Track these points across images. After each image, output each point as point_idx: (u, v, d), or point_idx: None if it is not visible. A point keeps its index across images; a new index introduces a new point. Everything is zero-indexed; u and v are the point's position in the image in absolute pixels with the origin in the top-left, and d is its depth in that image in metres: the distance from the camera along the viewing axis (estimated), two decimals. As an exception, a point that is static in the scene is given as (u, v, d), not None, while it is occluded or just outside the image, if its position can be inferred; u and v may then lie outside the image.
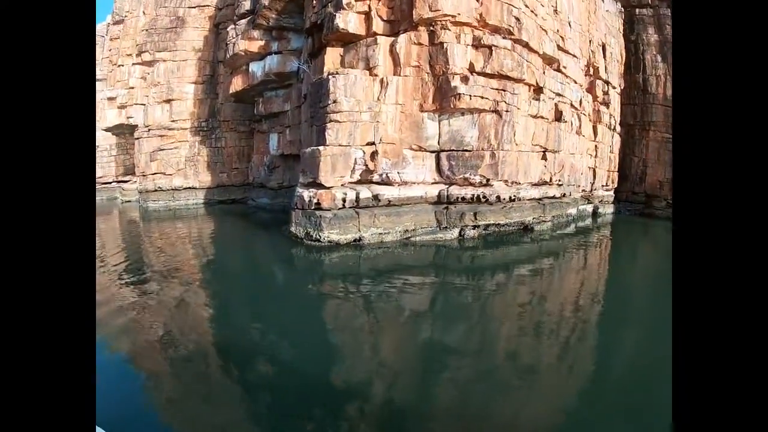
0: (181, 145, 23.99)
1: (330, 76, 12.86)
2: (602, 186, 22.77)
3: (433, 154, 14.07)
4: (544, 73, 16.68)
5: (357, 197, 12.75)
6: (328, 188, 12.66)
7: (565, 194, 18.19)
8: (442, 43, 13.24)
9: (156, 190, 23.59)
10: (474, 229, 13.78)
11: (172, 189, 23.71)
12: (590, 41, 20.97)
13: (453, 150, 14.07)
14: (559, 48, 17.52)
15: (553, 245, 14.14)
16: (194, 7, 24.59)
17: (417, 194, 13.65)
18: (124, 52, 24.50)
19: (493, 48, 13.83)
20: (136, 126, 24.28)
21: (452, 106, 13.48)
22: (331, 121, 12.50)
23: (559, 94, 17.84)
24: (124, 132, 26.66)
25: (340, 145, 12.62)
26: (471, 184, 14.18)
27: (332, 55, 14.24)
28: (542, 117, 16.63)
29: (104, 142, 29.60)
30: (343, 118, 12.56)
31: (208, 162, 24.23)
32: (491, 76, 13.91)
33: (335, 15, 13.52)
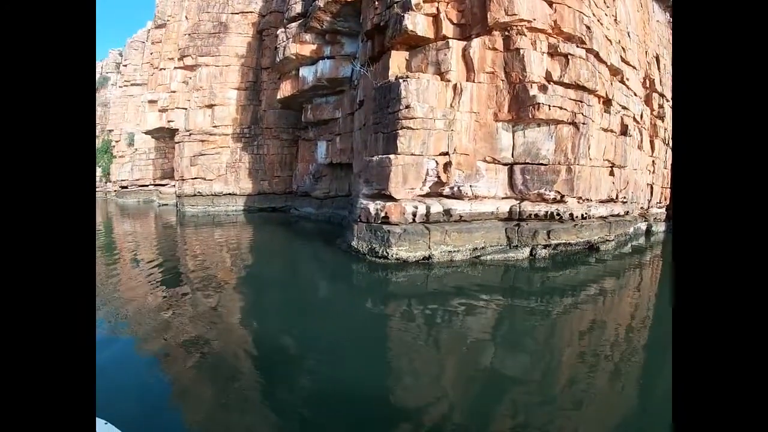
0: (223, 150, 22.99)
1: (400, 80, 11.59)
2: (657, 203, 21.16)
3: (506, 167, 12.75)
4: (611, 84, 15.32)
5: (428, 212, 11.47)
6: (397, 201, 11.31)
7: (628, 212, 16.71)
8: (518, 49, 12.06)
9: (195, 195, 22.59)
10: (545, 248, 12.41)
11: (212, 194, 22.68)
12: (646, 52, 19.70)
13: (528, 163, 12.70)
14: (622, 59, 16.23)
15: (617, 265, 12.85)
16: (237, 14, 23.73)
17: (488, 210, 12.36)
18: (165, 55, 23.70)
19: (569, 57, 12.58)
20: (177, 130, 23.39)
21: (531, 116, 12.15)
22: (402, 128, 11.21)
23: (624, 107, 16.53)
24: (164, 135, 25.83)
25: (412, 155, 11.33)
26: (544, 200, 12.82)
27: (397, 59, 13.01)
28: (611, 131, 15.30)
29: (143, 145, 29.20)
30: (417, 125, 11.27)
31: (249, 169, 23.15)
32: (568, 86, 12.65)
33: (403, 16, 12.31)
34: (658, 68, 20.64)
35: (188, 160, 22.73)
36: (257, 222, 20.35)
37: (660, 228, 21.48)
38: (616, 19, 16.48)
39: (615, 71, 15.82)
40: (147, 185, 30.05)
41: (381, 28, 13.60)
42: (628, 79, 17.02)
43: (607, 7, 15.87)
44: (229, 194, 22.92)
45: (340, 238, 13.81)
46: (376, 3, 13.71)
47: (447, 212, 11.65)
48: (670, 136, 21.75)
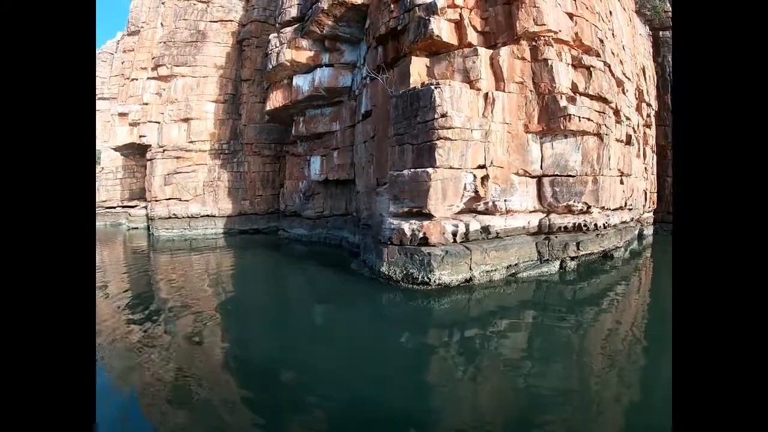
0: (199, 168, 20.47)
1: (431, 87, 10.13)
2: (648, 208, 21.35)
3: (534, 180, 11.80)
4: (617, 95, 14.94)
5: (467, 230, 10.12)
6: (436, 219, 9.79)
7: (633, 218, 16.66)
8: (546, 60, 11.30)
9: (170, 218, 19.89)
10: (572, 260, 11.73)
11: (188, 216, 20.06)
12: (635, 64, 19.99)
13: (557, 175, 11.88)
14: (621, 71, 16.17)
15: (628, 271, 12.84)
16: (216, 22, 21.58)
17: (520, 225, 11.37)
18: (138, 65, 21.02)
19: (591, 69, 12.02)
20: (149, 146, 20.53)
21: (562, 127, 11.39)
22: (439, 138, 9.79)
23: (627, 117, 16.36)
24: (134, 152, 22.86)
25: (450, 168, 9.93)
26: (571, 212, 12.06)
27: (418, 65, 11.68)
28: (621, 141, 14.97)
29: (110, 164, 26.26)
30: (455, 136, 9.92)
31: (228, 188, 20.73)
32: (593, 97, 12.07)
33: (429, 20, 11.11)
34: (645, 79, 21.00)
35: (161, 178, 19.99)
36: (242, 245, 18.04)
37: (650, 231, 21.91)
38: (614, 33, 16.34)
39: (619, 83, 15.59)
40: (114, 207, 26.77)
41: (397, 33, 12.26)
42: (627, 90, 17.04)
43: (609, 21, 15.68)
44: (208, 216, 20.34)
45: (355, 263, 12.11)
46: (392, 6, 12.41)
47: (485, 229, 10.47)
48: (655, 144, 22.22)
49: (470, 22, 11.54)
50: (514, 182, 11.27)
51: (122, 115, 20.88)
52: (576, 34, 12.09)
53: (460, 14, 11.51)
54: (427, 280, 9.33)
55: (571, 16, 12.06)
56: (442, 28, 11.16)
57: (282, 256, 16.30)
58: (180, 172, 20.08)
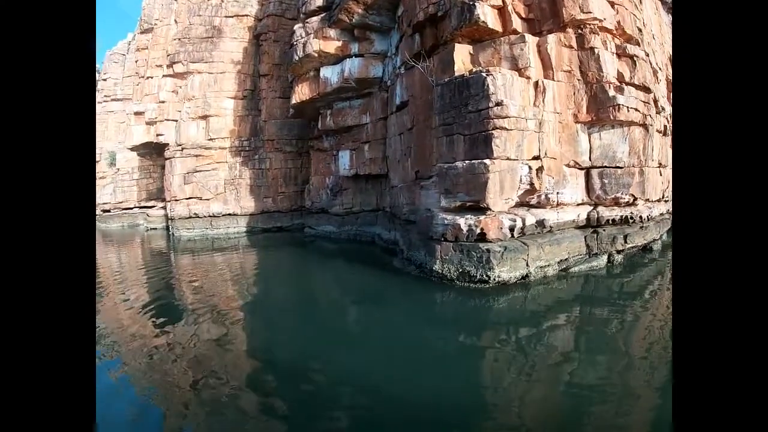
0: (220, 166, 19.77)
1: (483, 74, 9.53)
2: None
3: (583, 172, 11.24)
4: (655, 85, 14.40)
5: (523, 224, 9.60)
6: (494, 214, 9.16)
7: (668, 210, 16.15)
8: (592, 48, 10.76)
9: (191, 217, 19.23)
10: (619, 253, 11.27)
11: (210, 215, 19.37)
12: (663, 52, 19.49)
13: (605, 166, 11.33)
14: (655, 61, 15.70)
15: (667, 263, 12.03)
16: (232, 17, 20.81)
17: (570, 218, 10.85)
18: (153, 63, 20.27)
19: (635, 58, 11.50)
20: (167, 145, 19.81)
21: (611, 117, 10.82)
22: (495, 128, 9.19)
23: (663, 108, 15.70)
24: (151, 152, 22.15)
25: (508, 159, 9.35)
26: (618, 205, 11.55)
27: (461, 53, 11.08)
28: (660, 131, 14.42)
29: (126, 164, 25.74)
30: (511, 126, 9.31)
31: (250, 186, 20.03)
32: (638, 87, 11.54)
33: (474, 5, 10.51)
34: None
35: (181, 177, 19.30)
36: (266, 244, 17.42)
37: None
38: (644, 23, 15.78)
39: (654, 72, 14.99)
40: (131, 208, 26.22)
41: (436, 19, 11.62)
42: (660, 80, 16.44)
43: (640, 11, 15.15)
44: (229, 214, 19.66)
45: (398, 260, 11.56)
46: None
47: (540, 223, 9.99)
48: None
49: (514, 9, 10.93)
50: (566, 174, 10.71)
51: (138, 114, 20.13)
52: (618, 22, 11.58)
53: (503, 0, 10.92)
54: (486, 278, 8.82)
55: (612, 4, 11.53)
56: (486, 14, 10.55)
57: (310, 254, 15.72)
58: (200, 171, 19.40)
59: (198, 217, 19.29)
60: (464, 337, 6.87)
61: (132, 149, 21.69)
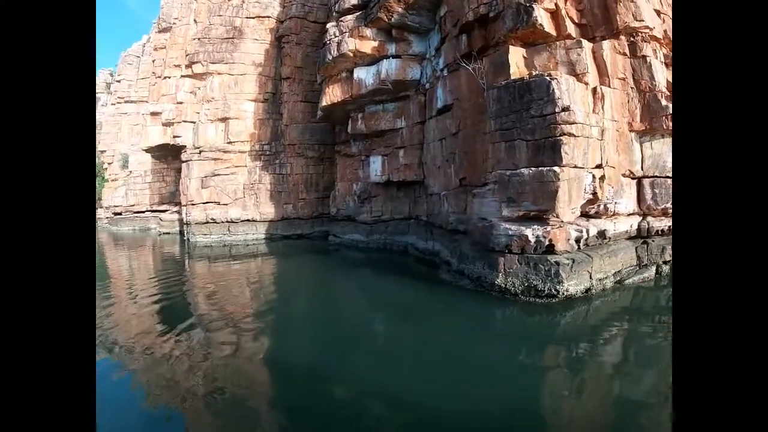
0: (239, 170, 19.31)
1: (548, 78, 9.22)
2: None
3: (635, 181, 10.99)
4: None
5: (587, 235, 9.27)
6: (562, 224, 8.91)
7: None
8: (644, 57, 10.57)
9: (207, 222, 18.69)
10: (666, 264, 10.90)
11: (228, 221, 18.87)
12: None
13: (656, 176, 11.06)
14: None
15: None
16: (253, 18, 20.53)
17: (624, 228, 10.58)
18: (171, 62, 19.90)
19: None
20: (184, 147, 19.29)
21: (665, 126, 10.50)
22: (563, 134, 8.89)
23: None
24: (167, 154, 21.61)
25: (575, 167, 9.01)
26: (666, 215, 11.18)
27: (516, 56, 10.77)
28: None
29: (139, 167, 25.60)
30: (577, 132, 9.01)
31: (270, 191, 19.55)
32: None
33: (531, 7, 10.33)
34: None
35: (198, 181, 18.76)
36: (287, 252, 16.94)
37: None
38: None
39: None
40: (143, 211, 25.95)
41: (487, 20, 11.36)
42: None
43: None
44: (248, 220, 19.14)
45: (446, 273, 11.07)
46: None
47: (601, 234, 9.71)
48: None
49: (567, 13, 10.74)
50: (623, 184, 10.49)
51: (154, 114, 19.67)
52: (665, 31, 11.31)
53: (556, 4, 10.73)
54: (555, 293, 8.43)
55: (659, 13, 11.30)
56: (542, 17, 10.37)
57: (336, 263, 15.23)
58: (218, 175, 18.91)
59: (215, 222, 18.76)
60: (525, 354, 6.52)
61: (147, 151, 21.20)
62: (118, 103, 31.30)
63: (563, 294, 8.38)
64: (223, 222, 18.77)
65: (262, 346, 7.00)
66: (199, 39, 19.67)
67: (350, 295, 11.39)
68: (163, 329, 7.65)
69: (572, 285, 8.51)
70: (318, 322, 8.47)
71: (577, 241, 9.01)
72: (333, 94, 15.61)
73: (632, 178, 10.81)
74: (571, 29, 10.68)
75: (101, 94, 37.31)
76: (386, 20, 13.84)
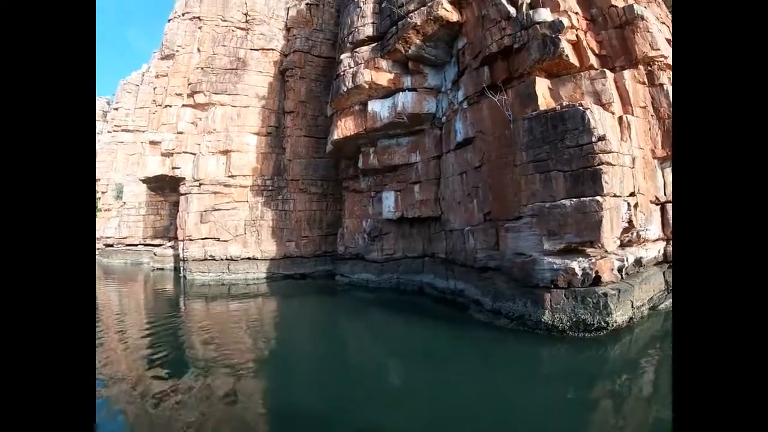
0: (240, 206, 19.16)
1: (581, 108, 9.55)
2: None
3: (659, 207, 11.34)
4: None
5: (627, 263, 9.53)
6: (606, 254, 9.05)
7: None
8: (661, 85, 11.17)
9: (206, 259, 18.28)
10: None
11: (227, 258, 18.56)
12: None
13: None
14: None
15: None
16: (257, 50, 21.18)
17: (653, 255, 11.03)
18: (172, 91, 20.14)
19: None
20: (183, 179, 19.12)
21: None
22: (602, 163, 9.15)
23: None
24: (164, 186, 21.39)
25: (614, 196, 9.24)
26: None
27: (542, 87, 11.17)
28: None
29: (133, 198, 25.72)
30: (614, 161, 9.33)
31: (272, 228, 19.38)
32: None
33: (558, 39, 10.88)
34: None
35: (197, 215, 18.51)
36: (292, 292, 16.58)
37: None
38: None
39: None
40: (136, 245, 25.74)
41: (511, 52, 11.86)
42: None
43: None
44: (249, 258, 18.79)
45: (479, 312, 10.85)
46: (503, 23, 12.09)
47: (638, 262, 10.13)
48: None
49: (588, 44, 11.42)
50: (652, 210, 10.88)
51: (153, 143, 19.62)
52: None
53: (577, 35, 11.42)
54: (605, 325, 8.46)
55: (669, 41, 11.94)
56: (567, 48, 10.93)
57: (346, 304, 14.90)
58: (218, 209, 18.70)
59: (214, 259, 18.37)
60: (576, 392, 6.40)
61: (144, 181, 20.97)
62: (114, 131, 31.67)
63: (612, 325, 8.41)
64: (222, 259, 18.39)
65: (262, 394, 6.85)
66: (202, 68, 20.09)
67: (363, 338, 11.04)
68: (157, 373, 7.44)
69: (619, 315, 8.58)
70: (327, 367, 8.08)
71: (620, 270, 9.15)
72: (345, 127, 15.77)
73: (657, 204, 11.20)
74: (593, 60, 11.33)
75: (98, 122, 37.71)
76: (403, 52, 14.31)
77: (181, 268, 18.80)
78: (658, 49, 11.09)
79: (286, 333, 11.33)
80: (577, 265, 8.69)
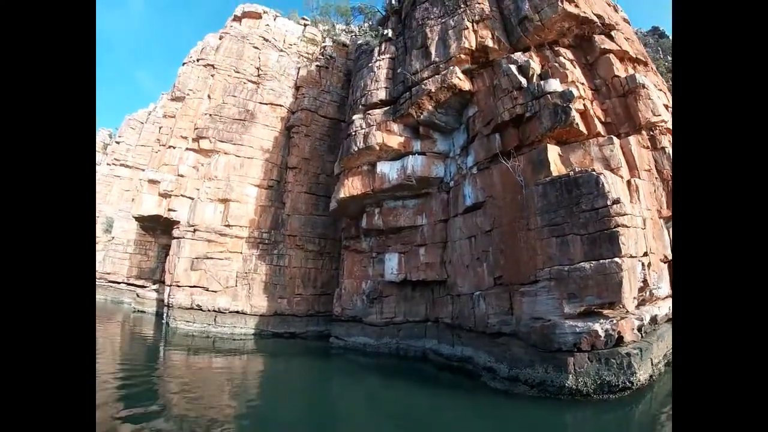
0: (234, 257, 19.02)
1: (595, 173, 10.25)
2: None
3: (666, 265, 11.79)
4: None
5: (645, 322, 9.77)
6: (626, 314, 9.26)
7: None
8: (663, 148, 12.15)
9: (192, 308, 17.63)
10: None
11: (215, 310, 18.00)
12: None
13: None
14: None
15: None
16: (266, 104, 22.29)
17: (665, 312, 11.19)
18: (178, 133, 20.63)
19: None
20: (177, 223, 19.04)
21: None
22: (618, 225, 9.65)
23: None
24: (157, 227, 21.30)
25: (631, 257, 9.57)
26: None
27: (553, 154, 11.89)
28: None
29: (122, 235, 25.76)
30: (629, 223, 9.80)
31: (265, 283, 19.15)
32: None
33: (569, 108, 11.90)
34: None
35: (188, 261, 18.21)
36: (283, 352, 16.04)
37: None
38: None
39: None
40: (119, 282, 25.31)
41: (522, 120, 12.84)
42: None
43: None
44: (238, 312, 18.27)
45: (493, 380, 10.66)
46: (515, 93, 13.15)
47: (653, 320, 10.45)
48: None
49: (594, 113, 12.53)
50: (662, 269, 11.33)
51: (152, 182, 19.61)
52: None
53: (584, 104, 12.48)
54: (629, 385, 8.57)
55: (667, 107, 13.10)
56: (576, 116, 11.87)
57: (342, 369, 14.30)
58: (211, 258, 18.49)
59: (201, 309, 17.85)
60: None
61: (137, 218, 20.78)
62: (113, 164, 32.11)
63: (636, 385, 8.51)
64: (209, 310, 17.87)
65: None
66: (210, 115, 20.83)
67: (359, 404, 10.43)
68: (127, 427, 7.15)
69: (642, 374, 8.70)
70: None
71: (640, 329, 9.36)
72: (353, 187, 16.24)
73: (665, 262, 11.67)
74: (600, 127, 12.33)
75: (97, 153, 38.31)
76: (415, 117, 15.25)
77: (165, 314, 18.17)
78: (659, 115, 12.21)
79: (272, 395, 10.77)
80: (599, 327, 8.84)
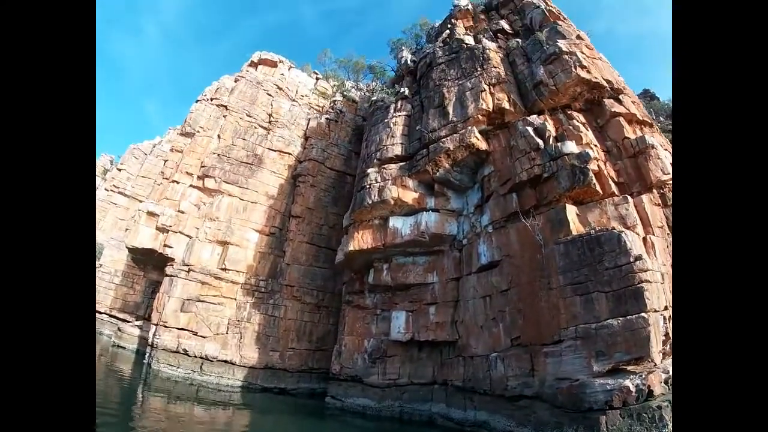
0: (227, 302, 18.80)
1: (616, 231, 10.91)
2: None
3: None
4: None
5: (670, 374, 9.97)
6: (653, 369, 9.59)
7: None
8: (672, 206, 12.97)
9: (178, 352, 17.05)
10: None
11: (202, 357, 17.45)
12: None
13: None
14: None
15: None
16: (275, 151, 23.25)
17: None
18: (184, 168, 21.03)
19: None
20: (172, 260, 18.87)
21: None
22: (642, 281, 10.22)
23: None
24: (149, 260, 21.04)
25: (655, 311, 10.03)
26: None
27: (571, 213, 12.60)
28: None
29: (110, 264, 25.31)
30: (651, 278, 10.34)
31: (257, 333, 18.86)
32: None
33: (587, 169, 12.79)
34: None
35: (178, 302, 17.86)
36: (272, 409, 15.54)
37: None
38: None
39: None
40: (101, 313, 24.09)
41: (539, 180, 13.64)
42: None
43: None
44: (226, 362, 17.72)
45: None
46: (533, 154, 14.03)
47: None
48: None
49: (608, 173, 13.42)
50: None
51: (151, 214, 19.54)
52: None
53: (599, 165, 13.35)
54: None
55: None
56: (593, 177, 12.71)
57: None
58: (203, 301, 18.22)
59: (187, 354, 17.28)
60: None
61: (130, 250, 20.48)
62: (111, 190, 32.28)
63: None
64: (196, 356, 17.32)
65: None
66: (218, 155, 21.47)
67: None
68: None
69: (671, 425, 8.76)
70: None
71: (666, 382, 9.58)
72: (363, 240, 16.58)
73: None
74: (613, 187, 13.17)
75: (96, 178, 38.48)
76: (431, 173, 16.05)
77: (147, 355, 17.48)
78: (668, 173, 13.04)
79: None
80: (630, 382, 9.14)
